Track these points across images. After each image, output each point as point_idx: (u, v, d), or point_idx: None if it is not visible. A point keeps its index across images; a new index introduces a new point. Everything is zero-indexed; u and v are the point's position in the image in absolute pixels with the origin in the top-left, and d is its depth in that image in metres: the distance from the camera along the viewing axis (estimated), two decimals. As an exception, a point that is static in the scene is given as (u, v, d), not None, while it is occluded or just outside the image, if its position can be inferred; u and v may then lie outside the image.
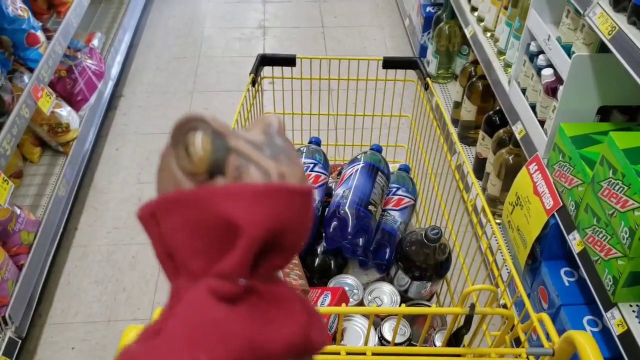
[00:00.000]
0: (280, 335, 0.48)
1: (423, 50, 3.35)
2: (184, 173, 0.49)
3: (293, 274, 1.37)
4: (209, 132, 0.49)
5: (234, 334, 0.45)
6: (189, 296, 0.46)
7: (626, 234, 1.35)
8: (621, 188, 1.37)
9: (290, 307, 0.51)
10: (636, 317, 1.40)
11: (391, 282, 1.57)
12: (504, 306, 1.47)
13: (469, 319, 0.95)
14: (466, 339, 1.03)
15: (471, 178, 1.36)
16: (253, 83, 1.72)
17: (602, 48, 1.66)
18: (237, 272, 0.47)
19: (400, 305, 1.50)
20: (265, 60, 1.79)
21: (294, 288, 1.32)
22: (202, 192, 0.48)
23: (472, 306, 0.92)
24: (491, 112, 2.45)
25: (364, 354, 1.03)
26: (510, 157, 2.21)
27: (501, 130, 2.33)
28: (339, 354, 1.01)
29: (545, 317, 0.96)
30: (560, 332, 1.66)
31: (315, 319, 0.52)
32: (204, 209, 0.47)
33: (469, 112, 2.70)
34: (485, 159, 2.48)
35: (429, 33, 3.25)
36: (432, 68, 3.18)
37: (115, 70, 3.30)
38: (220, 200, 0.47)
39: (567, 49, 1.77)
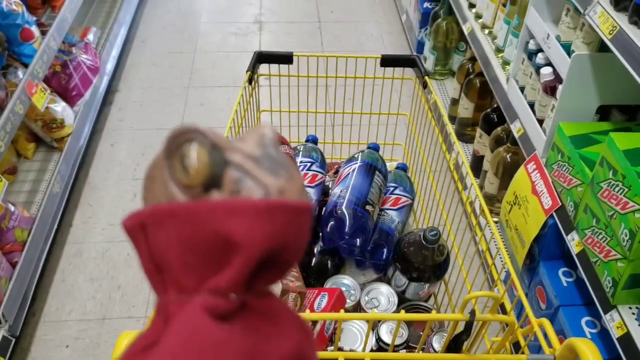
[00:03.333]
0: (276, 353, 0.47)
1: (420, 46, 3.34)
2: (178, 185, 0.48)
3: (289, 276, 1.35)
4: (207, 145, 0.48)
5: (231, 354, 0.44)
6: (185, 314, 0.45)
7: (626, 236, 1.34)
8: (621, 190, 1.36)
9: (284, 323, 0.50)
10: (636, 319, 1.40)
11: (388, 282, 1.56)
12: (502, 306, 1.46)
13: (469, 325, 0.94)
14: (466, 344, 1.01)
15: (470, 179, 1.35)
16: (250, 81, 1.70)
17: (602, 47, 1.65)
18: (232, 288, 0.46)
19: (397, 307, 1.49)
20: (262, 57, 1.77)
21: (291, 290, 1.31)
22: (200, 207, 0.47)
23: (473, 312, 0.91)
24: (489, 110, 2.44)
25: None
26: (508, 156, 2.20)
27: (499, 128, 2.32)
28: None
29: (546, 322, 0.95)
30: (559, 332, 1.66)
31: (308, 334, 0.51)
32: (201, 224, 0.46)
33: (466, 109, 2.68)
34: (482, 157, 2.46)
35: (426, 29, 3.24)
36: (429, 64, 3.16)
37: (110, 65, 3.27)
38: (219, 215, 0.46)
39: (567, 48, 1.76)
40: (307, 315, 1.14)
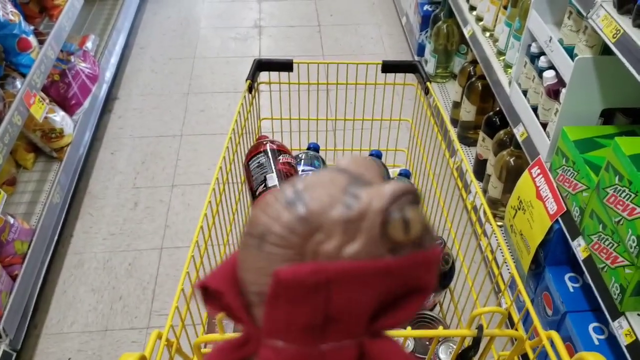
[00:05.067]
0: None
1: (421, 49, 3.32)
2: (389, 244, 0.48)
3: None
4: (418, 203, 0.49)
5: None
6: (396, 351, 0.51)
7: (634, 242, 1.32)
8: (628, 195, 1.34)
9: None
10: (644, 326, 1.38)
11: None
12: (510, 316, 1.44)
13: (477, 340, 0.92)
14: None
15: (475, 187, 1.33)
16: (250, 89, 1.69)
17: (606, 50, 1.63)
18: (402, 325, 0.54)
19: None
20: (262, 65, 1.75)
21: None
22: (406, 262, 0.48)
23: (481, 328, 0.89)
24: (491, 113, 2.42)
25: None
26: (511, 159, 2.18)
27: (502, 132, 2.30)
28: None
29: (555, 335, 0.93)
30: (566, 339, 1.64)
31: None
32: (402, 277, 0.49)
33: (468, 112, 2.66)
34: (485, 160, 2.44)
35: (426, 32, 3.22)
36: (430, 67, 3.14)
37: (109, 73, 3.25)
38: (421, 268, 0.49)
39: (570, 51, 1.74)
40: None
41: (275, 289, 0.46)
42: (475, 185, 1.30)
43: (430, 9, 3.16)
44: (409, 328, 1.03)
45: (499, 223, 2.34)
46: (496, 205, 2.32)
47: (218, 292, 0.50)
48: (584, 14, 1.56)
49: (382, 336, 0.51)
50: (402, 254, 0.48)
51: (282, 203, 0.48)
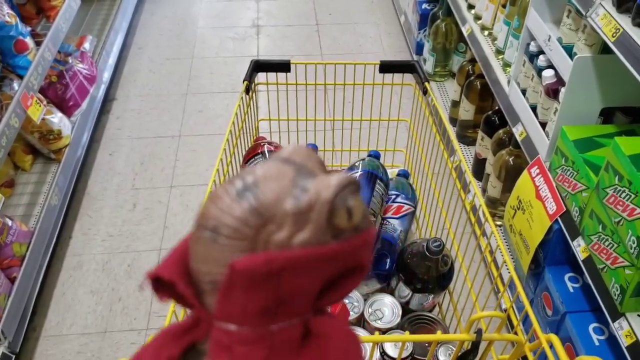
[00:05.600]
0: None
1: (419, 47, 3.31)
2: (333, 230, 0.51)
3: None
4: (358, 191, 0.53)
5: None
6: (337, 325, 0.54)
7: (634, 243, 1.31)
8: (628, 196, 1.33)
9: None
10: (645, 327, 1.37)
11: (392, 293, 1.54)
12: (505, 310, 1.43)
13: (476, 344, 0.91)
14: (473, 363, 0.99)
15: (473, 188, 1.32)
16: (247, 90, 1.68)
17: (605, 49, 1.62)
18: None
19: (401, 318, 1.46)
20: (259, 66, 1.74)
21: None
22: (349, 245, 0.51)
23: (480, 332, 0.89)
24: (490, 112, 2.41)
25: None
26: (510, 159, 2.17)
27: (501, 131, 2.29)
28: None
29: (554, 338, 0.92)
30: (566, 340, 1.63)
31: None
32: (344, 259, 0.52)
33: (467, 111, 2.65)
34: (484, 160, 2.43)
35: (425, 30, 3.21)
36: (428, 66, 3.13)
37: (107, 74, 3.24)
38: (362, 249, 0.53)
39: (569, 50, 1.73)
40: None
41: (230, 278, 0.48)
42: (474, 186, 1.30)
43: (428, 8, 3.15)
44: (407, 333, 1.03)
45: (498, 223, 2.33)
46: (495, 204, 2.31)
47: (170, 282, 0.52)
48: (583, 12, 1.55)
49: (325, 312, 0.55)
50: (344, 239, 0.51)
51: (234, 196, 0.50)
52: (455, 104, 2.81)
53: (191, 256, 0.53)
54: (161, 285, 0.53)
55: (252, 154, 1.60)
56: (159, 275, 0.53)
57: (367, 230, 0.53)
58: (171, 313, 1.03)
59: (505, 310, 1.11)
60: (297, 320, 0.50)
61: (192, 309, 0.54)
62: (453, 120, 2.86)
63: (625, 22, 1.40)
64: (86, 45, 3.11)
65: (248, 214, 0.49)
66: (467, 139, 2.75)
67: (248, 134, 1.81)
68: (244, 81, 1.68)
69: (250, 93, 1.72)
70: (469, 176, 1.38)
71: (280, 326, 0.49)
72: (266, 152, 1.59)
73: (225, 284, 0.49)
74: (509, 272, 1.11)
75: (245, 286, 0.48)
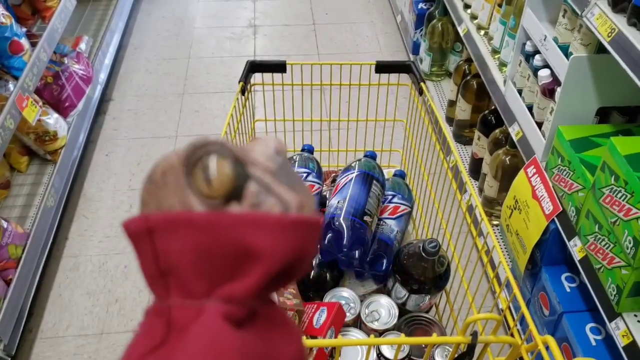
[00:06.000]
0: (285, 356, 0.51)
1: (416, 47, 3.31)
2: (197, 195, 0.49)
3: (287, 293, 1.32)
4: (230, 157, 0.49)
5: (250, 359, 0.47)
6: (204, 320, 0.47)
7: (630, 243, 1.31)
8: (624, 196, 1.33)
9: (287, 328, 0.54)
10: (641, 327, 1.37)
11: (388, 294, 1.53)
12: (502, 311, 1.43)
13: (471, 347, 0.91)
14: (469, 364, 0.99)
15: (469, 188, 1.31)
16: (242, 91, 1.67)
17: (601, 48, 1.61)
18: (247, 296, 0.48)
19: (398, 319, 1.46)
20: (255, 67, 1.74)
21: (288, 308, 1.28)
22: (222, 217, 0.48)
23: (475, 334, 0.88)
24: (486, 112, 2.41)
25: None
26: (507, 158, 2.17)
27: (497, 130, 2.29)
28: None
29: (550, 340, 0.92)
30: (563, 340, 1.63)
31: (301, 336, 0.56)
32: (221, 234, 0.48)
33: (463, 110, 2.65)
34: (481, 159, 2.43)
35: (421, 30, 3.20)
36: (425, 65, 3.13)
37: (103, 74, 3.24)
38: (243, 227, 0.48)
39: (565, 50, 1.73)
40: (305, 341, 1.11)
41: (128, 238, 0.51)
42: (470, 186, 1.29)
43: (425, 7, 3.15)
44: (402, 335, 1.03)
45: (495, 222, 2.33)
46: (492, 204, 2.31)
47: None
48: (579, 12, 1.55)
49: (220, 304, 0.49)
50: (219, 209, 0.49)
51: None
52: (452, 104, 2.80)
53: None
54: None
55: (248, 155, 1.59)
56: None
57: (265, 209, 0.49)
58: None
59: (502, 311, 1.11)
60: (194, 302, 0.48)
61: None
62: (450, 120, 2.86)
63: (620, 21, 1.39)
64: (82, 46, 3.10)
65: (145, 180, 0.52)
66: (463, 139, 2.75)
67: (244, 135, 1.80)
68: (239, 82, 1.67)
69: (245, 94, 1.71)
70: (465, 177, 1.38)
71: (175, 301, 0.48)
72: (262, 153, 1.58)
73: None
74: (506, 273, 1.11)
75: (133, 245, 0.50)
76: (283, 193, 0.50)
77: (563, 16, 1.75)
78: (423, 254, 1.38)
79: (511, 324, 1.07)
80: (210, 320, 0.46)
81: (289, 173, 0.53)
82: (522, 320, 1.84)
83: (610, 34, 1.40)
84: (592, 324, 1.63)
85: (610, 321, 1.43)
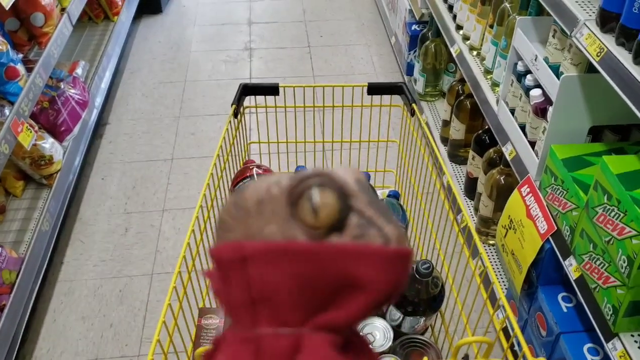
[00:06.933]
0: None
1: (410, 68, 3.33)
2: (301, 226, 0.50)
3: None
4: (336, 189, 0.50)
5: None
6: (316, 351, 0.47)
7: (624, 262, 1.30)
8: (617, 215, 1.32)
9: (370, 354, 0.55)
10: (639, 347, 1.35)
11: (383, 316, 1.52)
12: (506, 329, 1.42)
13: (463, 369, 0.90)
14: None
15: (462, 208, 1.31)
16: (235, 114, 1.68)
17: (591, 68, 1.62)
18: (349, 325, 0.49)
19: (393, 341, 1.45)
20: (248, 90, 1.75)
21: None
22: (328, 248, 0.49)
23: (467, 358, 0.87)
24: (480, 132, 2.42)
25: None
26: (501, 178, 2.17)
27: (491, 150, 2.29)
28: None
29: (543, 362, 0.91)
30: (560, 361, 1.61)
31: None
32: (325, 265, 0.48)
33: (457, 130, 2.66)
34: (476, 179, 2.43)
35: (415, 51, 3.23)
36: (419, 86, 3.14)
37: (100, 99, 3.25)
38: (349, 258, 0.48)
39: (555, 69, 1.74)
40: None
41: (214, 265, 0.50)
42: (462, 207, 1.29)
43: (418, 29, 3.18)
44: (397, 358, 1.01)
45: (491, 242, 2.32)
46: (487, 223, 2.31)
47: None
48: (568, 32, 1.56)
49: (323, 333, 0.50)
50: (319, 239, 0.50)
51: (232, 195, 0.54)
52: (446, 124, 2.81)
53: None
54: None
55: (241, 177, 1.59)
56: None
57: (368, 241, 0.51)
58: (154, 345, 1.02)
59: (497, 333, 1.10)
60: (287, 330, 0.48)
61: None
62: (444, 140, 2.87)
63: (609, 41, 1.40)
64: (79, 71, 3.12)
65: (231, 206, 0.52)
66: (458, 158, 2.75)
67: (238, 157, 1.80)
68: (232, 105, 1.68)
69: (238, 117, 1.72)
70: (457, 197, 1.37)
71: (266, 331, 0.48)
72: (255, 175, 1.58)
73: (211, 271, 0.51)
74: (503, 289, 1.10)
75: (221, 273, 0.49)
76: (383, 225, 0.51)
77: (553, 36, 1.77)
78: (416, 276, 1.37)
79: (505, 345, 1.06)
80: (320, 348, 0.47)
81: (380, 204, 0.54)
82: (524, 331, 1.83)
83: (599, 54, 1.41)
84: (589, 345, 1.61)
85: (607, 342, 1.42)
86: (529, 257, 1.77)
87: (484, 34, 2.35)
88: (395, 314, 1.46)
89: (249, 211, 0.51)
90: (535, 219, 1.75)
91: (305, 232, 0.49)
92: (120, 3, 3.76)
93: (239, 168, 1.78)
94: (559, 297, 1.75)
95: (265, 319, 0.49)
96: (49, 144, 2.60)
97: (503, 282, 2.12)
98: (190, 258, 1.30)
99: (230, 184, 1.65)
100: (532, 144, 1.86)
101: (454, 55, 2.54)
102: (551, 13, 1.65)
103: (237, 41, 4.14)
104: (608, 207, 1.36)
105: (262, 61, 3.94)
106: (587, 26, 1.48)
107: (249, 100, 1.82)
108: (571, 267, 1.57)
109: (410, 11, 3.25)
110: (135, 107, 3.50)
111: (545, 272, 1.77)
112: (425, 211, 1.72)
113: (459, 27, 2.58)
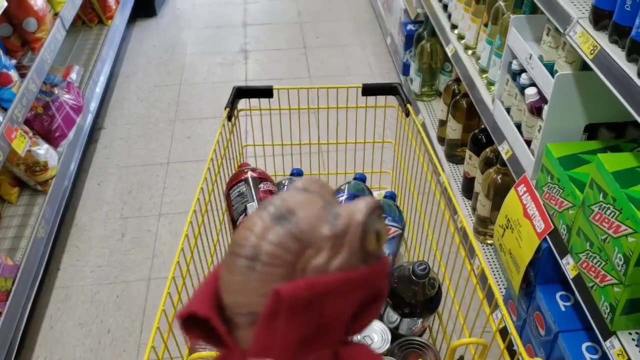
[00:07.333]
0: None
1: (406, 68, 3.32)
2: (362, 255, 0.52)
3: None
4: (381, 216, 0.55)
5: None
6: (365, 352, 0.56)
7: (620, 260, 1.29)
8: (613, 213, 1.32)
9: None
10: (636, 345, 1.35)
11: (381, 318, 1.51)
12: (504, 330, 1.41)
13: (459, 372, 0.89)
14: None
15: (457, 209, 1.31)
16: (229, 117, 1.67)
17: (585, 65, 1.62)
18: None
19: (391, 343, 1.44)
20: (241, 93, 1.74)
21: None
22: (375, 271, 0.53)
23: (462, 359, 0.86)
24: (477, 131, 2.41)
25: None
26: (498, 177, 2.16)
27: (488, 149, 2.28)
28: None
29: (540, 363, 0.90)
30: (559, 360, 1.61)
31: None
32: (371, 285, 0.53)
33: (454, 130, 2.65)
34: (473, 178, 2.43)
35: (411, 51, 3.22)
36: (415, 86, 3.14)
37: (94, 103, 3.24)
38: (381, 276, 0.55)
39: (550, 68, 1.73)
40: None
41: (275, 306, 0.47)
42: (457, 207, 1.28)
43: (413, 29, 3.17)
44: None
45: (490, 241, 2.31)
46: (485, 223, 2.30)
47: (204, 318, 0.51)
48: (562, 30, 1.56)
49: (350, 342, 0.56)
50: (370, 264, 0.52)
51: (270, 223, 0.51)
52: (443, 123, 2.81)
53: (225, 288, 0.52)
54: (192, 323, 0.52)
55: (236, 180, 1.58)
56: (193, 312, 0.51)
57: (385, 258, 0.56)
58: (149, 352, 1.01)
59: (494, 334, 1.09)
60: (328, 351, 0.50)
61: (224, 346, 0.52)
62: (441, 140, 2.86)
63: (602, 39, 1.40)
64: (73, 76, 3.11)
65: (287, 239, 0.50)
66: (455, 158, 2.75)
67: (233, 160, 1.80)
68: (225, 108, 1.67)
69: (232, 120, 1.71)
70: (452, 198, 1.37)
71: (313, 357, 0.50)
72: (249, 178, 1.57)
73: (268, 313, 0.47)
74: (502, 288, 1.09)
75: (290, 314, 0.47)
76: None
77: (547, 34, 1.76)
78: (413, 277, 1.37)
79: (501, 346, 1.05)
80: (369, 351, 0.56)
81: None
82: (523, 331, 1.82)
83: (592, 52, 1.40)
84: (588, 343, 1.60)
85: (605, 340, 1.41)
86: (526, 256, 1.76)
87: (478, 33, 2.35)
88: (392, 315, 1.45)
89: (311, 244, 0.50)
90: (532, 218, 1.74)
91: (361, 259, 0.51)
92: (114, 7, 3.75)
93: (233, 171, 1.77)
94: (557, 296, 1.74)
95: (317, 345, 0.50)
96: (43, 150, 2.59)
97: (501, 281, 2.12)
98: (185, 263, 1.30)
99: (225, 187, 1.64)
100: (528, 143, 1.85)
101: (449, 54, 2.53)
102: (544, 11, 1.64)
103: (232, 43, 4.14)
104: (604, 205, 1.36)
105: (258, 63, 3.93)
106: (580, 24, 1.48)
107: (244, 103, 1.81)
108: (568, 266, 1.56)
109: (405, 11, 3.24)
110: (130, 111, 3.49)
111: (542, 271, 1.76)
112: (422, 212, 1.71)
113: (453, 27, 2.57)
